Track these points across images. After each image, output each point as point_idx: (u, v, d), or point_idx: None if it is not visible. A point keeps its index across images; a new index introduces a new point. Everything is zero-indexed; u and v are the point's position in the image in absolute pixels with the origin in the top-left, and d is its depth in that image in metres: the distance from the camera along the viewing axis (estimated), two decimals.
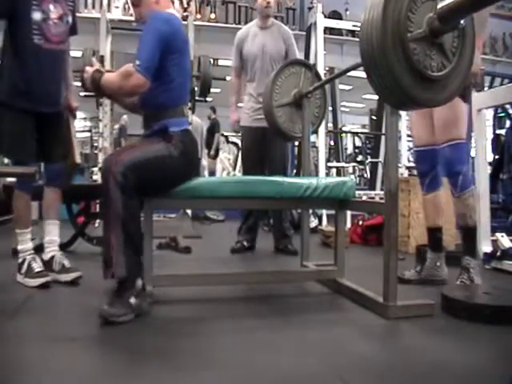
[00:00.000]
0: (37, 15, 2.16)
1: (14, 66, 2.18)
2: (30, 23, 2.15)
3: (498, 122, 5.67)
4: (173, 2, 2.23)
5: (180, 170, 1.92)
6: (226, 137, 8.70)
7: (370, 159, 7.27)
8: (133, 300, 1.74)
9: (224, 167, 8.92)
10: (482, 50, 2.18)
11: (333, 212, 2.41)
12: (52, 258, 2.30)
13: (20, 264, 2.25)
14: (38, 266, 2.22)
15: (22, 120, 2.18)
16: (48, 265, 2.29)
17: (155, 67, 1.84)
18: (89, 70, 1.93)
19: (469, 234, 2.29)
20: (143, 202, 1.88)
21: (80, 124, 10.70)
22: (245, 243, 3.46)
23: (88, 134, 11.04)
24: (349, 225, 4.40)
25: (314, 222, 4.38)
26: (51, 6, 2.20)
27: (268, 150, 3.42)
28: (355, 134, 10.47)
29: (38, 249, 2.38)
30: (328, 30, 6.43)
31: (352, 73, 2.29)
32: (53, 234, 2.35)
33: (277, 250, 3.47)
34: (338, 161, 7.24)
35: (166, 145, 1.88)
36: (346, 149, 10.00)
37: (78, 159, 2.50)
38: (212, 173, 7.88)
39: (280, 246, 3.45)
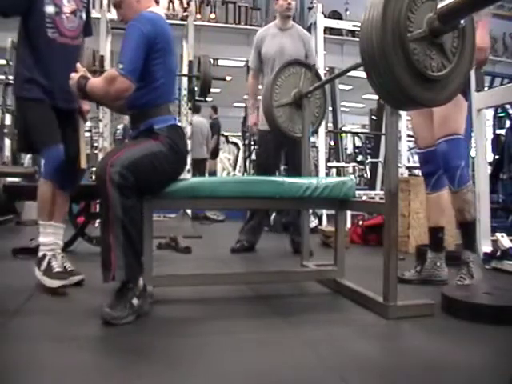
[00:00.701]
0: (49, 8, 2.16)
1: (29, 61, 2.18)
2: (44, 16, 2.15)
3: (498, 122, 5.68)
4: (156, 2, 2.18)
5: (172, 163, 1.91)
6: (226, 137, 8.70)
7: (370, 159, 7.27)
8: (135, 301, 1.73)
9: (224, 167, 8.92)
10: (488, 29, 2.17)
11: (333, 212, 2.41)
12: None
13: (40, 259, 2.20)
14: (57, 266, 2.19)
15: (47, 111, 2.18)
16: None
17: (140, 69, 1.83)
18: (74, 76, 1.89)
19: (468, 229, 2.29)
20: (143, 202, 1.88)
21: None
22: (245, 243, 3.46)
23: (88, 134, 11.04)
24: (349, 225, 4.40)
25: (314, 222, 4.38)
26: (64, 0, 2.21)
27: (288, 152, 3.46)
28: (355, 133, 10.47)
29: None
30: (328, 30, 6.44)
31: (352, 73, 2.28)
32: (57, 237, 2.34)
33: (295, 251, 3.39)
34: (338, 161, 7.25)
35: (155, 142, 1.87)
36: (346, 149, 9.99)
37: (84, 164, 2.43)
38: (212, 173, 7.87)
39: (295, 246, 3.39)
